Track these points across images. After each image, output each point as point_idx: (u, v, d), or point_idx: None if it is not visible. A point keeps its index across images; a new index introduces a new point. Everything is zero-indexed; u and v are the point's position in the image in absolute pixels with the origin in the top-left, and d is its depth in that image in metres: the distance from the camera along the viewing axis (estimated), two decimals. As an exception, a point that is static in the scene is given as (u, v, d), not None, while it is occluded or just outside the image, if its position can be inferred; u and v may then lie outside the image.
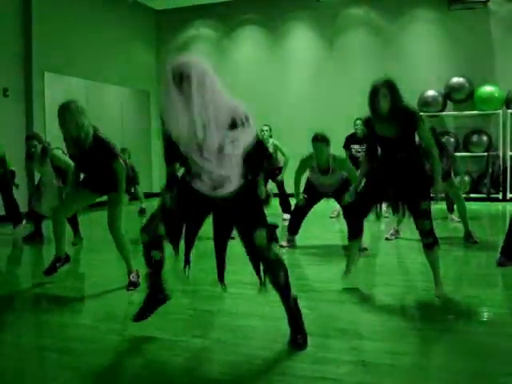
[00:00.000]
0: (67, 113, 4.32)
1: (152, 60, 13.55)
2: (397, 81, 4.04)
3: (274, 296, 3.27)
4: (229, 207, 3.10)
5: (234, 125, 2.91)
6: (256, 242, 3.07)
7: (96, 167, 4.53)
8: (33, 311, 4.13)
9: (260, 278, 3.19)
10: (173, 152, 3.10)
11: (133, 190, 9.66)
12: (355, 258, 4.55)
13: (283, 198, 8.54)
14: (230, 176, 3.01)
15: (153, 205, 9.76)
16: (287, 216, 8.17)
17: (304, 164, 6.10)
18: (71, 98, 4.53)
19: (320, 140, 5.82)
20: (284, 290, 3.20)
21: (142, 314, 3.30)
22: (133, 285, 4.56)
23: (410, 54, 11.62)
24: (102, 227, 4.92)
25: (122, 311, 4.08)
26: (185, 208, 3.15)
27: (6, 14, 9.47)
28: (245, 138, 2.96)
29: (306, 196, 6.23)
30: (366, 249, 5.82)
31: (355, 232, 4.43)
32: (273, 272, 3.16)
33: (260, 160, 3.17)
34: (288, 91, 12.48)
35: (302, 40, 12.67)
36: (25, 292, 4.76)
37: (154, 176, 12.96)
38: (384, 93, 3.93)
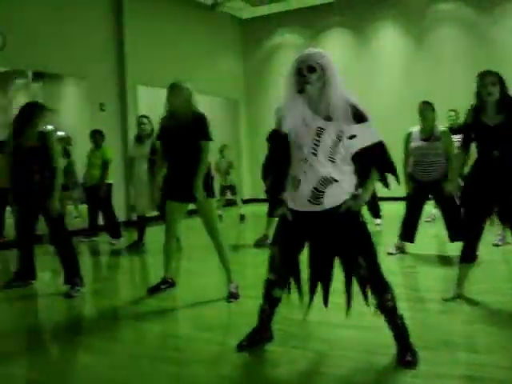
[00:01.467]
0: (177, 88, 4.48)
1: (239, 69, 13.72)
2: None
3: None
4: (332, 227, 2.94)
5: (355, 120, 2.83)
6: (363, 267, 2.94)
7: (185, 148, 4.50)
8: (134, 320, 4.25)
9: (349, 300, 3.08)
10: (278, 156, 3.03)
11: (231, 196, 10.01)
12: (464, 280, 4.28)
13: (373, 201, 8.23)
14: (340, 182, 2.88)
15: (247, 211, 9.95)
16: (379, 221, 8.00)
17: (408, 137, 5.96)
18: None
19: (427, 103, 5.88)
20: (391, 313, 3.05)
21: (246, 345, 3.33)
22: (233, 296, 4.54)
23: (503, 49, 11.13)
24: (202, 234, 4.98)
25: (222, 321, 4.13)
26: (296, 241, 3.07)
27: (100, 34, 9.93)
28: (364, 137, 2.85)
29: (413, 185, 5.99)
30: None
31: (469, 255, 4.16)
32: (380, 296, 3.01)
33: (381, 166, 2.98)
34: (378, 91, 12.26)
35: (390, 39, 12.45)
36: (126, 301, 4.89)
37: (244, 183, 13.11)
38: (493, 81, 3.90)
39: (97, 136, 7.92)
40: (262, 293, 3.25)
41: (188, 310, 4.46)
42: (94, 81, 9.68)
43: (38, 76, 9.73)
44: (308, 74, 2.83)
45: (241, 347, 3.32)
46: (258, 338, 3.35)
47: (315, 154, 2.84)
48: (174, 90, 4.46)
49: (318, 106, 2.86)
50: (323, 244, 3.00)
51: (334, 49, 12.81)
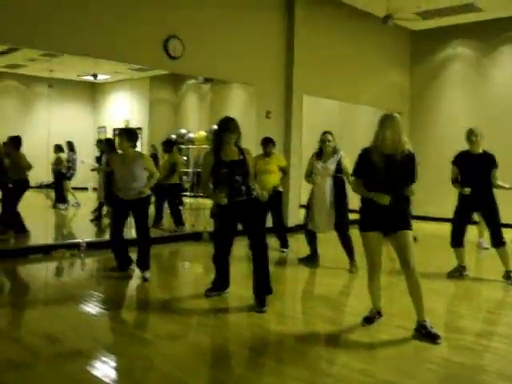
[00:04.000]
0: (395, 123, 4.25)
1: (405, 80, 13.45)
2: None
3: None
4: None
5: None
6: None
7: (396, 179, 4.30)
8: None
9: None
10: None
11: None
12: None
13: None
14: None
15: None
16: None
17: None
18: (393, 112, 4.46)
19: None
20: None
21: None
22: (431, 337, 4.18)
23: None
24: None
25: (379, 352, 4.08)
26: None
27: (271, 44, 10.30)
28: None
29: None
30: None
31: None
32: None
33: None
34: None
35: None
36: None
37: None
38: None
39: (270, 144, 8.05)
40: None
41: (345, 335, 4.53)
42: (260, 87, 10.07)
43: (208, 80, 10.36)
44: None
45: None
46: None
47: None
48: (393, 124, 4.26)
49: None
50: None
51: (507, 66, 12.11)
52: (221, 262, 5.44)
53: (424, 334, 4.20)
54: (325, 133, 6.90)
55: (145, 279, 6.09)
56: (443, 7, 11.48)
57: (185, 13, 8.72)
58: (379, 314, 4.69)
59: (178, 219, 9.65)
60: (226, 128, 5.07)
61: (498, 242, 6.34)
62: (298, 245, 9.06)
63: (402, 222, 4.33)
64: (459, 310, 5.37)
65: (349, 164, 6.46)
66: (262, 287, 5.14)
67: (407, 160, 4.30)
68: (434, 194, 11.62)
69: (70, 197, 11.92)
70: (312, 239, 7.26)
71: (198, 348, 4.10)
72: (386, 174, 4.29)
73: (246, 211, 5.16)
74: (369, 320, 4.62)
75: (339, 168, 6.76)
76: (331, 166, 6.78)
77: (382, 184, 4.31)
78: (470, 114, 12.14)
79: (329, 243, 7.50)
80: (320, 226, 6.94)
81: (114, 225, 6.36)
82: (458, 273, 6.59)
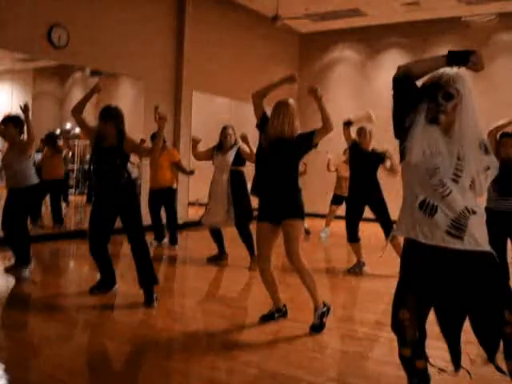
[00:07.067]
0: (285, 108, 4.29)
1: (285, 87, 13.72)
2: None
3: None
4: (467, 272, 2.47)
5: (484, 151, 2.50)
6: (509, 324, 2.40)
7: (280, 165, 4.27)
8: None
9: (457, 359, 2.60)
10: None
11: None
12: None
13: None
14: (480, 217, 2.49)
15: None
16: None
17: None
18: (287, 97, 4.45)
19: None
20: None
21: None
22: (315, 329, 4.25)
23: None
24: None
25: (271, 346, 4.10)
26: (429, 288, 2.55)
27: (161, 39, 10.21)
28: (492, 169, 2.51)
29: None
30: None
31: None
32: None
33: None
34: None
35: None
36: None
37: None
38: None
39: None
40: (406, 370, 2.70)
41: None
42: (149, 82, 9.94)
43: (95, 72, 10.03)
44: (444, 103, 2.46)
45: None
46: None
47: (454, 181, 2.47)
48: (282, 108, 4.31)
49: (450, 133, 2.49)
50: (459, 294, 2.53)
51: (390, 69, 12.71)
52: (98, 255, 5.21)
53: (317, 324, 4.26)
54: (225, 127, 6.89)
55: (22, 277, 5.79)
56: (330, 11, 11.89)
57: (70, 1, 8.39)
58: (278, 310, 4.54)
59: (57, 217, 9.27)
60: (106, 115, 5.03)
61: (389, 234, 6.54)
62: (187, 242, 9.03)
63: (288, 211, 4.24)
64: (349, 302, 5.58)
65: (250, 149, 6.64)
66: (146, 277, 5.00)
67: (299, 142, 4.26)
68: (319, 191, 11.94)
69: None
70: (217, 237, 7.10)
71: (82, 348, 3.94)
72: (272, 160, 4.28)
73: (118, 200, 5.04)
74: (266, 317, 4.49)
75: (238, 161, 6.75)
76: (229, 158, 6.76)
77: (269, 170, 4.30)
78: (354, 114, 12.61)
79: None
80: (217, 221, 6.81)
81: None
82: (358, 268, 6.76)
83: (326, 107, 4.30)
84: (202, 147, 7.01)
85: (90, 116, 11.94)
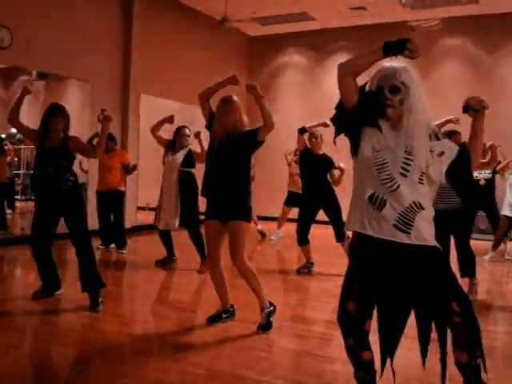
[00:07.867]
0: (228, 104, 4.28)
1: (243, 85, 13.72)
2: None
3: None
4: (416, 268, 2.50)
5: (435, 138, 2.54)
6: (456, 314, 2.42)
7: (228, 162, 4.23)
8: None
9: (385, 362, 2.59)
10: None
11: None
12: None
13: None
14: (428, 212, 2.51)
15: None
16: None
17: None
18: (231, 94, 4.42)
19: None
20: (475, 371, 2.48)
21: None
22: (262, 328, 4.24)
23: (509, 87, 11.28)
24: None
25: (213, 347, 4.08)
26: (376, 284, 2.56)
27: (108, 41, 10.07)
28: (447, 151, 2.55)
29: None
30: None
31: None
32: (471, 350, 2.46)
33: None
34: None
35: (394, 69, 12.52)
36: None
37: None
38: None
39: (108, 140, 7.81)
40: (352, 361, 2.73)
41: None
42: (96, 85, 9.77)
43: (42, 75, 9.79)
44: (391, 96, 2.49)
45: None
46: None
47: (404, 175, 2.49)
48: (226, 106, 4.31)
49: (398, 127, 2.51)
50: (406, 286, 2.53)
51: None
52: (40, 258, 5.04)
53: (264, 324, 4.25)
54: (181, 127, 6.80)
55: None
56: (278, 14, 11.97)
57: (14, 0, 8.18)
58: (226, 311, 4.51)
59: (1, 222, 9.01)
60: (54, 110, 4.94)
61: (340, 237, 6.65)
62: (136, 246, 8.91)
63: (235, 211, 4.22)
64: (299, 302, 5.58)
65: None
66: (91, 281, 4.89)
67: (246, 138, 4.25)
68: (272, 193, 11.97)
69: None
70: (166, 239, 7.01)
71: (28, 354, 3.82)
72: (221, 156, 4.26)
73: (63, 202, 4.91)
74: (214, 318, 4.45)
75: (188, 162, 6.69)
76: (179, 158, 6.68)
77: (216, 169, 4.29)
78: (302, 117, 12.71)
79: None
80: (167, 223, 6.72)
81: None
82: (307, 269, 6.81)
83: (265, 105, 4.32)
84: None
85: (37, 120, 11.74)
